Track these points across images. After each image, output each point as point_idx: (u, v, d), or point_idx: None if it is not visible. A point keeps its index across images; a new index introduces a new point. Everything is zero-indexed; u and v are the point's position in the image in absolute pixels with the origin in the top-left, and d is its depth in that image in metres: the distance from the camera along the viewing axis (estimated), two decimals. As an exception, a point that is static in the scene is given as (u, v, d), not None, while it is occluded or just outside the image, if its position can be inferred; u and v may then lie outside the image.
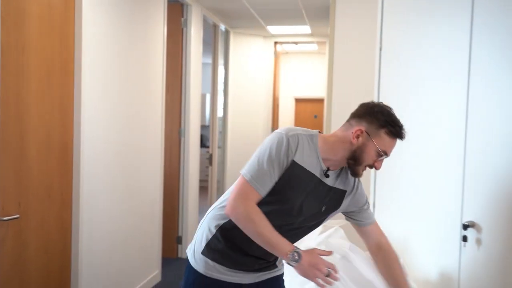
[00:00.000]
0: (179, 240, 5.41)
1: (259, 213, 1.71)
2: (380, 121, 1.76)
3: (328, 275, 1.65)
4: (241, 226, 1.73)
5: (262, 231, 1.69)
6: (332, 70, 4.19)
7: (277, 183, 1.74)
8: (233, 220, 1.75)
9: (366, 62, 3.30)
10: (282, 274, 2.01)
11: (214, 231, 1.84)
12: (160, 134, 4.52)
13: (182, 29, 5.19)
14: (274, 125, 8.20)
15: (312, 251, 1.69)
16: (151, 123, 4.30)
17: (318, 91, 9.85)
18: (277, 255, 1.77)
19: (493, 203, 2.10)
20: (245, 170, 1.76)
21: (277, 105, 8.44)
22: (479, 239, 2.11)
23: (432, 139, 2.39)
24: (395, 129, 1.77)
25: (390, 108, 1.82)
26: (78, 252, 3.13)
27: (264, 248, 1.74)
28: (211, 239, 1.84)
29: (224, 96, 7.13)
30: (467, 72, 2.20)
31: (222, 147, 7.24)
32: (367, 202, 1.96)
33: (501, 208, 2.07)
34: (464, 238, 2.14)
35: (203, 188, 6.79)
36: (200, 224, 1.95)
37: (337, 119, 4.06)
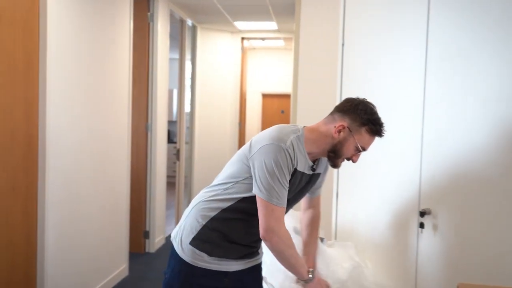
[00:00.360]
0: (146, 235, 5.41)
1: (290, 239, 1.87)
2: (363, 119, 1.86)
3: None
4: (272, 246, 1.84)
5: (291, 256, 1.87)
6: (297, 65, 4.26)
7: None
8: (268, 244, 1.84)
9: (330, 57, 3.38)
10: (261, 262, 2.10)
11: (204, 222, 1.89)
12: (127, 129, 4.51)
13: (149, 24, 5.18)
14: (242, 120, 8.25)
15: (319, 280, 1.99)
16: (118, 118, 4.28)
17: (285, 86, 9.95)
18: (297, 275, 1.96)
19: (447, 191, 2.23)
20: (266, 195, 1.78)
21: (245, 100, 8.49)
22: (435, 225, 2.23)
23: (391, 131, 2.48)
24: (376, 128, 1.88)
25: (374, 106, 1.91)
26: (44, 246, 3.12)
27: (286, 268, 1.92)
28: (200, 230, 1.89)
29: (192, 91, 7.14)
30: (424, 69, 2.31)
31: (190, 142, 7.25)
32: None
33: (454, 196, 2.19)
34: (421, 225, 2.25)
35: (171, 183, 6.80)
36: (185, 214, 1.99)
37: (303, 113, 4.14)
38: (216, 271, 1.90)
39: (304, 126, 1.93)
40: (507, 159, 2.12)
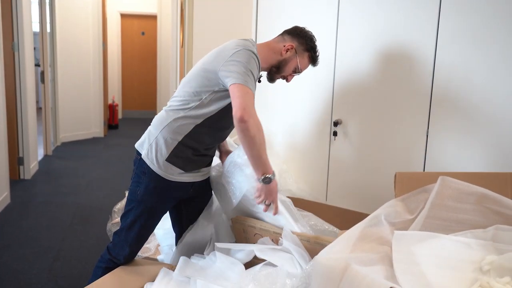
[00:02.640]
0: (20, 161, 5.18)
1: (262, 129, 1.89)
2: (308, 45, 2.13)
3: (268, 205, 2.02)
4: (245, 131, 1.80)
5: (261, 145, 1.88)
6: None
7: None
8: (243, 126, 1.79)
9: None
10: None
11: (179, 139, 2.00)
12: (-1, 48, 4.18)
13: None
14: (105, 41, 7.93)
15: (276, 185, 2.00)
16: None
17: (147, 6, 9.64)
18: (260, 170, 1.93)
19: (355, 105, 2.62)
20: (241, 79, 1.84)
21: (106, 21, 8.12)
22: (345, 132, 2.63)
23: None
24: (315, 56, 2.17)
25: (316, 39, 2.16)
26: None
27: (251, 160, 1.93)
28: (175, 147, 2.00)
29: (51, 10, 6.64)
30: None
31: (52, 65, 6.84)
32: None
33: (359, 109, 2.60)
34: (335, 133, 2.64)
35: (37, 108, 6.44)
36: (152, 134, 2.05)
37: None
38: (186, 182, 2.07)
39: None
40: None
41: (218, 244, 2.07)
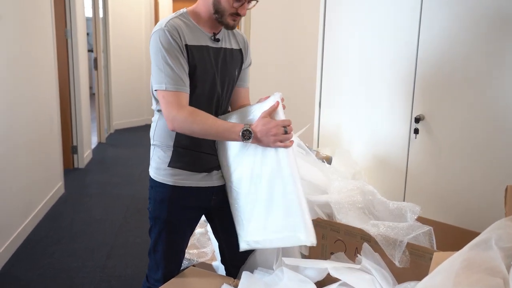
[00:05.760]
0: (74, 150, 5.12)
1: (196, 112, 1.68)
2: None
3: (286, 132, 1.64)
4: (189, 132, 1.70)
5: (208, 126, 1.67)
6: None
7: (189, 71, 1.72)
8: (180, 131, 1.70)
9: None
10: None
11: (172, 145, 1.79)
12: (52, 36, 4.08)
13: None
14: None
15: (261, 120, 1.66)
16: (40, 28, 3.83)
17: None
18: (232, 140, 1.73)
19: (440, 97, 2.28)
20: (156, 84, 1.69)
21: (158, 5, 7.98)
22: (429, 130, 2.30)
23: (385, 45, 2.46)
24: None
25: None
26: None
27: (218, 139, 1.77)
28: (174, 150, 1.79)
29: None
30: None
31: (105, 50, 6.76)
32: (251, 63, 2.01)
33: (446, 103, 2.27)
34: (415, 131, 2.31)
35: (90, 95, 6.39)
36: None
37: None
38: (200, 188, 1.83)
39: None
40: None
41: (286, 260, 1.82)
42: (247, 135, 1.65)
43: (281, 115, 1.69)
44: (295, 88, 3.49)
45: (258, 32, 3.55)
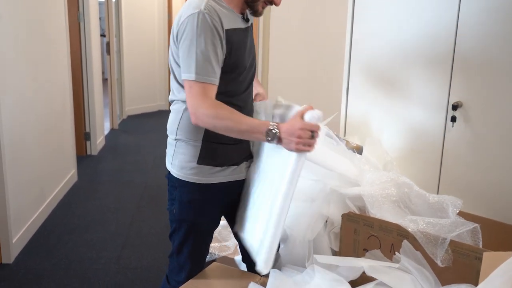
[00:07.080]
0: (87, 136, 5.02)
1: (222, 106, 1.55)
2: None
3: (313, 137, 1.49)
4: (212, 128, 1.57)
5: (232, 122, 1.54)
6: None
7: (226, 58, 1.58)
8: (202, 126, 1.57)
9: None
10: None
11: (201, 139, 1.65)
12: (64, 20, 3.95)
13: None
14: (170, 11, 7.64)
15: (292, 121, 1.52)
16: (52, 9, 3.70)
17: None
18: (256, 139, 1.63)
19: (481, 82, 2.12)
20: (186, 73, 1.55)
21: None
22: (467, 118, 2.14)
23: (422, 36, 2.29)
24: None
25: None
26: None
27: (242, 138, 1.62)
28: (203, 145, 1.66)
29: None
30: None
31: (118, 35, 6.63)
32: None
33: (487, 88, 2.11)
34: (453, 119, 2.16)
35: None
36: (168, 140, 1.75)
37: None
38: (229, 182, 1.71)
39: None
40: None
41: (318, 258, 1.69)
42: (272, 134, 1.50)
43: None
44: (319, 75, 3.33)
45: (281, 14, 3.38)
